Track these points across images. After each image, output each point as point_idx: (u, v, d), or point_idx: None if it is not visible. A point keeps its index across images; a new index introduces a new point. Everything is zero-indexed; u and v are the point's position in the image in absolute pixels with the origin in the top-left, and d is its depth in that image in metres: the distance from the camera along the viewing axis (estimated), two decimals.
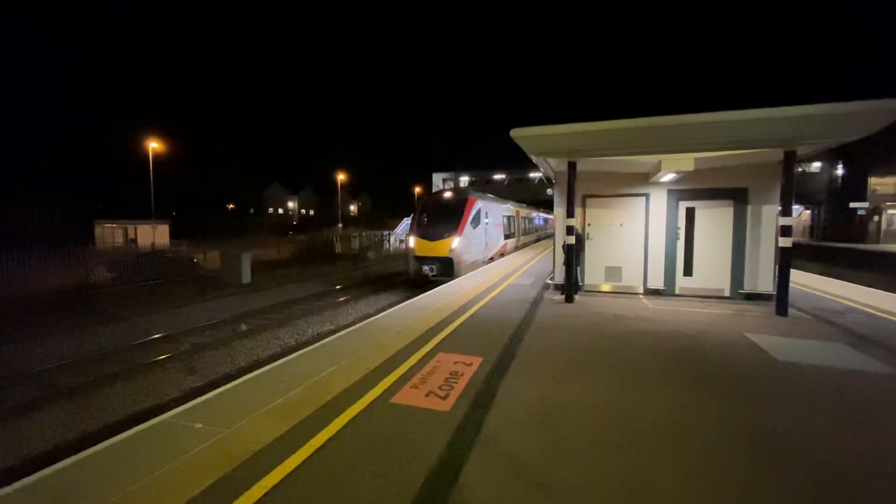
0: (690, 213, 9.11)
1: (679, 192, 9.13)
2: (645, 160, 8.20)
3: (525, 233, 26.28)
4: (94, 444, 3.24)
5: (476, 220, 15.67)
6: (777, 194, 8.14)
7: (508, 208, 21.75)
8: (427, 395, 4.07)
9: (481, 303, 8.51)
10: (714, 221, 8.95)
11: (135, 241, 38.18)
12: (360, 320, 10.41)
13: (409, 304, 8.45)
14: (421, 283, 14.51)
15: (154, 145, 32.75)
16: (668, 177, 8.45)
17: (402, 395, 4.08)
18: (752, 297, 8.62)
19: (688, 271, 9.18)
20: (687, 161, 7.61)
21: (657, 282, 9.34)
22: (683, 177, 8.51)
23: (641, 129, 6.68)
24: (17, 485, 2.72)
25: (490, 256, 17.24)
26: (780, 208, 7.70)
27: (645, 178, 9.18)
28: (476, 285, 10.65)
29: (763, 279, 8.60)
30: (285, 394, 4.09)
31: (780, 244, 7.56)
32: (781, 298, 7.50)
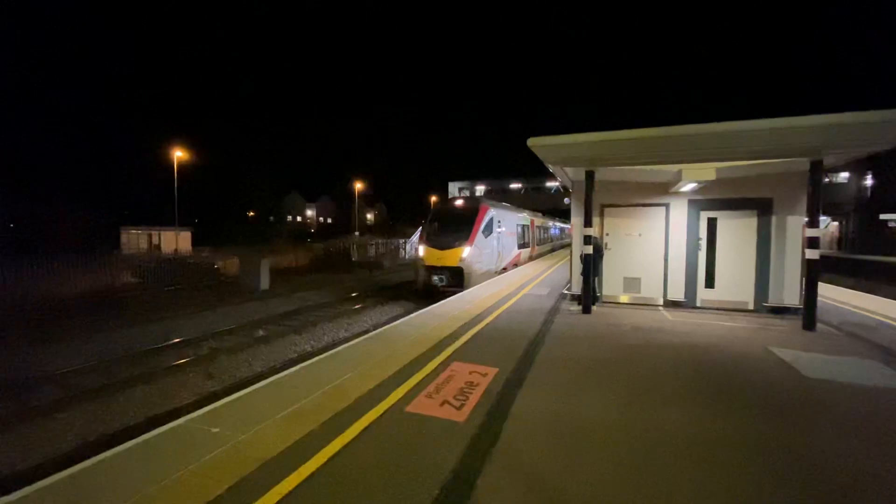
0: (712, 224, 8.92)
1: (700, 202, 8.95)
2: (665, 169, 8.08)
3: (540, 242, 25.71)
4: (115, 446, 3.30)
5: (488, 229, 15.22)
6: (803, 205, 7.91)
7: (523, 217, 21.24)
8: (442, 405, 4.04)
9: (497, 312, 8.45)
10: (737, 232, 8.73)
11: (159, 247, 39.27)
12: (376, 328, 10.45)
13: (424, 313, 8.45)
14: (430, 294, 14.08)
15: (179, 154, 33.71)
16: (688, 186, 8.31)
17: (417, 404, 4.05)
18: (778, 311, 8.36)
19: (710, 283, 8.96)
20: (708, 171, 7.47)
21: (678, 293, 9.13)
22: (705, 186, 8.35)
23: (661, 138, 6.59)
24: (39, 484, 2.79)
25: (503, 267, 16.75)
26: (806, 219, 7.47)
27: (665, 188, 9.04)
28: (491, 295, 10.59)
29: (789, 292, 8.33)
30: (301, 400, 4.11)
31: (807, 256, 7.32)
32: (809, 312, 7.24)
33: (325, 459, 3.08)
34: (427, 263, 14.55)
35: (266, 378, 4.83)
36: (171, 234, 39.37)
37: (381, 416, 3.81)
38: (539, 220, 26.20)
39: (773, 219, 8.41)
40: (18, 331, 10.56)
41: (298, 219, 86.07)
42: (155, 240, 40.75)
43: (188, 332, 10.63)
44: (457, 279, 13.92)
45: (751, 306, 8.64)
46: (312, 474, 2.90)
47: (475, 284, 13.04)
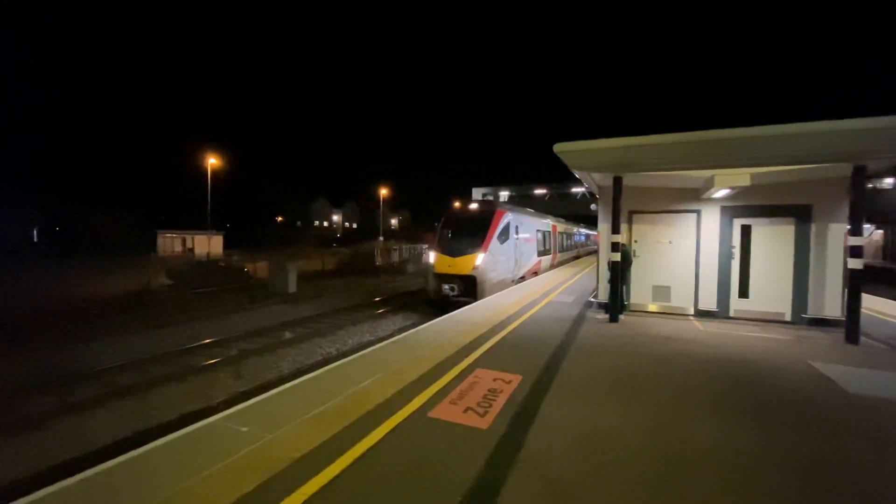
0: (746, 231, 8.61)
1: (734, 209, 8.66)
2: (696, 175, 7.85)
3: (563, 249, 24.54)
4: (150, 442, 3.42)
5: (504, 235, 14.31)
6: (845, 211, 7.54)
7: (544, 223, 20.17)
8: (465, 412, 4.02)
9: (520, 319, 8.37)
10: (773, 240, 8.40)
11: (192, 250, 40.68)
12: (399, 332, 10.50)
13: (447, 319, 8.45)
14: (441, 304, 13.31)
15: (212, 161, 34.95)
16: (721, 193, 8.05)
17: (440, 410, 4.05)
18: (818, 323, 7.97)
19: (743, 293, 8.63)
20: (742, 176, 7.21)
21: (709, 303, 8.84)
22: (738, 192, 8.08)
23: (693, 144, 6.42)
24: (78, 477, 2.92)
25: (520, 275, 15.83)
26: (849, 227, 7.12)
27: (696, 194, 8.79)
28: (514, 302, 10.50)
29: (830, 303, 7.93)
30: (326, 402, 4.17)
31: (850, 266, 6.96)
32: (851, 325, 6.88)
33: (349, 462, 3.12)
34: (438, 271, 13.73)
35: (292, 380, 4.92)
36: (204, 237, 40.77)
37: (404, 420, 3.83)
38: (562, 226, 25.09)
39: (813, 226, 8.05)
40: (61, 329, 11.13)
41: (325, 224, 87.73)
42: (188, 243, 42.22)
43: (218, 333, 10.95)
44: (469, 288, 13.05)
45: (788, 318, 8.27)
46: (337, 476, 2.94)
47: (489, 294, 12.35)
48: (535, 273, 17.84)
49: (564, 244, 25.16)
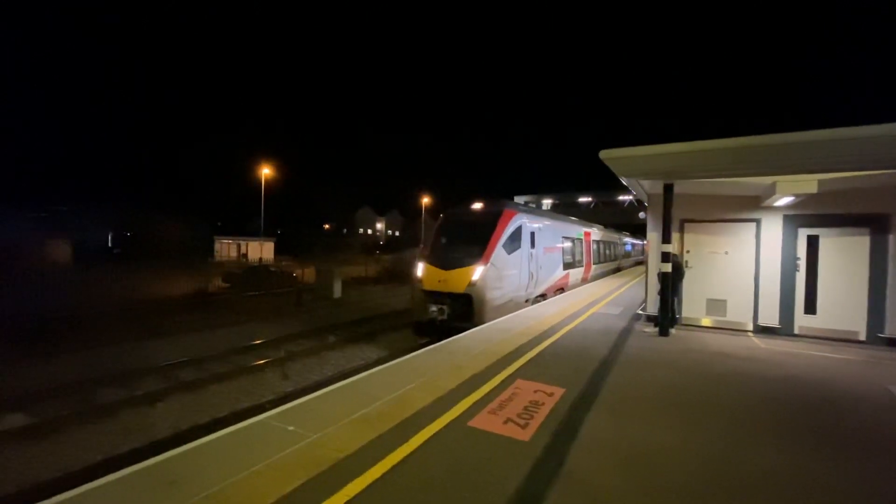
0: (813, 242, 7.97)
1: (798, 218, 8.05)
2: (755, 182, 7.38)
3: (600, 260, 20.94)
4: (205, 435, 3.62)
5: (514, 242, 11.25)
6: None
7: (573, 228, 16.81)
8: (505, 423, 3.96)
9: (563, 330, 8.16)
10: (844, 252, 7.72)
11: (246, 255, 42.97)
12: (438, 339, 10.54)
13: (487, 327, 8.38)
14: (429, 331, 10.56)
15: (266, 171, 36.86)
16: (784, 200, 7.52)
17: (480, 420, 4.01)
18: None
19: (810, 308, 7.98)
20: (808, 183, 6.70)
21: (770, 319, 8.23)
22: (804, 200, 7.52)
23: (752, 149, 6.05)
24: (137, 466, 3.13)
25: (539, 293, 12.79)
26: None
27: (755, 202, 8.26)
28: (557, 312, 10.26)
29: None
30: (368, 406, 4.24)
31: None
32: None
33: (389, 466, 3.15)
34: (426, 287, 10.70)
35: (336, 382, 5.05)
36: (257, 243, 43.03)
37: (443, 428, 3.82)
38: (599, 233, 21.47)
39: (891, 238, 7.34)
40: (131, 327, 12.06)
41: (369, 231, 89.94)
42: (243, 249, 44.71)
43: (268, 335, 11.46)
44: (463, 311, 10.14)
45: (862, 337, 7.55)
46: (378, 479, 2.97)
47: (492, 318, 9.57)
48: (562, 290, 14.88)
49: (602, 254, 21.65)
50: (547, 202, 51.15)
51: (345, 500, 2.73)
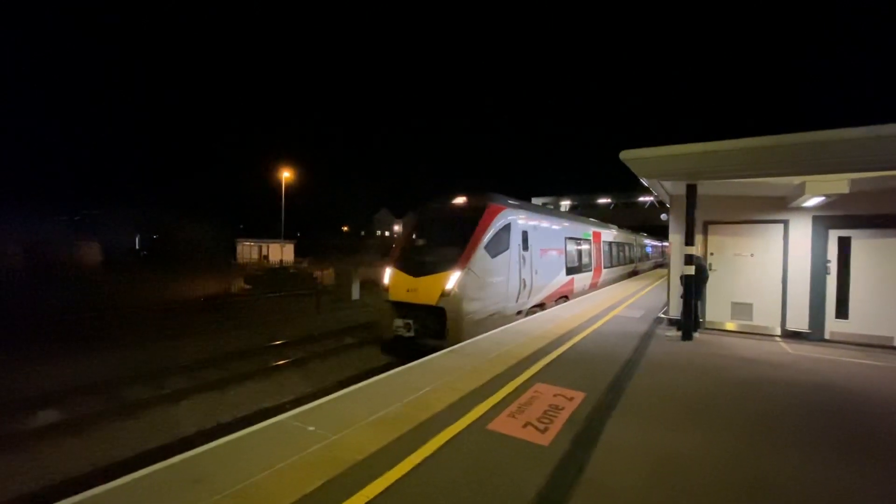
0: (845, 244, 7.68)
1: (828, 219, 7.77)
2: (783, 182, 7.15)
3: (612, 264, 18.95)
4: (227, 434, 3.70)
5: (500, 243, 9.46)
6: None
7: (578, 228, 14.89)
8: (525, 426, 3.92)
9: (583, 334, 8.05)
10: (879, 254, 7.42)
11: (267, 257, 43.76)
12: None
13: (505, 330, 8.32)
14: (393, 349, 9.45)
15: (286, 175, 37.52)
16: (813, 201, 7.27)
17: (499, 423, 3.99)
18: None
19: (842, 313, 7.68)
20: (839, 183, 6.45)
21: (799, 323, 7.96)
22: (834, 201, 7.26)
23: (779, 148, 5.85)
24: (164, 463, 3.21)
25: (536, 303, 11.13)
26: None
27: (782, 203, 8.01)
28: (576, 314, 10.13)
29: None
30: (386, 407, 4.26)
31: None
32: None
33: (409, 468, 3.15)
34: (391, 298, 9.21)
35: (354, 384, 5.09)
36: (277, 246, 43.79)
37: (462, 430, 3.81)
38: (610, 233, 19.41)
39: None
40: (157, 327, 12.42)
41: (387, 233, 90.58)
42: (264, 251, 45.56)
43: (288, 335, 11.63)
44: (434, 326, 8.70)
45: None
46: (397, 481, 2.98)
47: (468, 337, 7.90)
48: (565, 297, 13.16)
49: (614, 257, 19.65)
50: (565, 203, 50.62)
51: (364, 502, 2.75)
